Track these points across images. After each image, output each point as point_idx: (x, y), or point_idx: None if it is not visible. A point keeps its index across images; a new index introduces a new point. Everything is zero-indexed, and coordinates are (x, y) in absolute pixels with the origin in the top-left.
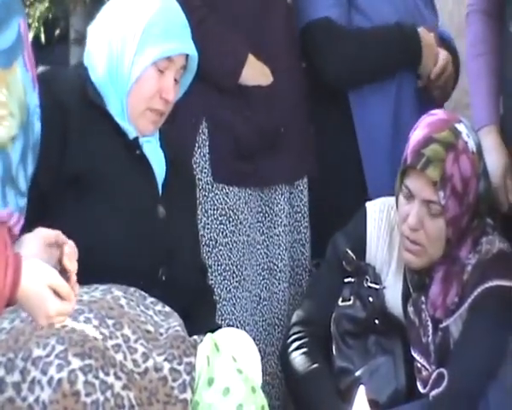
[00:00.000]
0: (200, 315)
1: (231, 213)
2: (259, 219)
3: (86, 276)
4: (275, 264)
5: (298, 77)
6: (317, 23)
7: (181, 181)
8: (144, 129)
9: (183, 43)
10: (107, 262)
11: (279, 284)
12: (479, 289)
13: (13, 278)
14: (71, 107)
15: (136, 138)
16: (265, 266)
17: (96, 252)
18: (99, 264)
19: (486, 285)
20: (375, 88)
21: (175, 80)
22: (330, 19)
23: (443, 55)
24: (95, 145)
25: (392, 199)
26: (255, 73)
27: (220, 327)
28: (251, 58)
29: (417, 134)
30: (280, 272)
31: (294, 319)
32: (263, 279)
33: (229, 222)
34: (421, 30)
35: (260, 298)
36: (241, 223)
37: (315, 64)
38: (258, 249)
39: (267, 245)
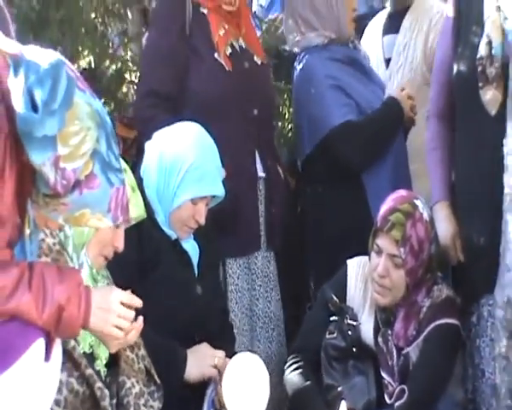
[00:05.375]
0: (221, 348)
1: None
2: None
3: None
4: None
5: (250, 169)
6: (341, 126)
7: (209, 256)
8: (181, 237)
9: (215, 187)
10: (157, 327)
11: (235, 329)
12: (432, 325)
13: (85, 309)
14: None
15: (177, 238)
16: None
17: (149, 319)
18: (151, 326)
19: (437, 322)
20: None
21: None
22: (351, 121)
23: (407, 93)
24: (151, 244)
25: (365, 258)
26: None
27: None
28: None
29: (385, 206)
30: (232, 320)
31: (292, 347)
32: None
33: None
34: (394, 94)
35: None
36: None
37: (341, 156)
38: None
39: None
